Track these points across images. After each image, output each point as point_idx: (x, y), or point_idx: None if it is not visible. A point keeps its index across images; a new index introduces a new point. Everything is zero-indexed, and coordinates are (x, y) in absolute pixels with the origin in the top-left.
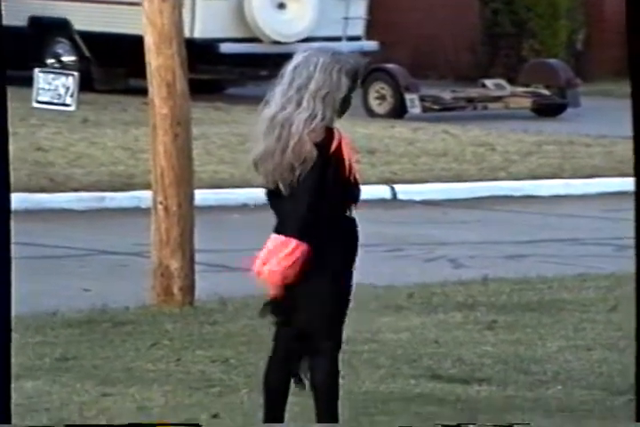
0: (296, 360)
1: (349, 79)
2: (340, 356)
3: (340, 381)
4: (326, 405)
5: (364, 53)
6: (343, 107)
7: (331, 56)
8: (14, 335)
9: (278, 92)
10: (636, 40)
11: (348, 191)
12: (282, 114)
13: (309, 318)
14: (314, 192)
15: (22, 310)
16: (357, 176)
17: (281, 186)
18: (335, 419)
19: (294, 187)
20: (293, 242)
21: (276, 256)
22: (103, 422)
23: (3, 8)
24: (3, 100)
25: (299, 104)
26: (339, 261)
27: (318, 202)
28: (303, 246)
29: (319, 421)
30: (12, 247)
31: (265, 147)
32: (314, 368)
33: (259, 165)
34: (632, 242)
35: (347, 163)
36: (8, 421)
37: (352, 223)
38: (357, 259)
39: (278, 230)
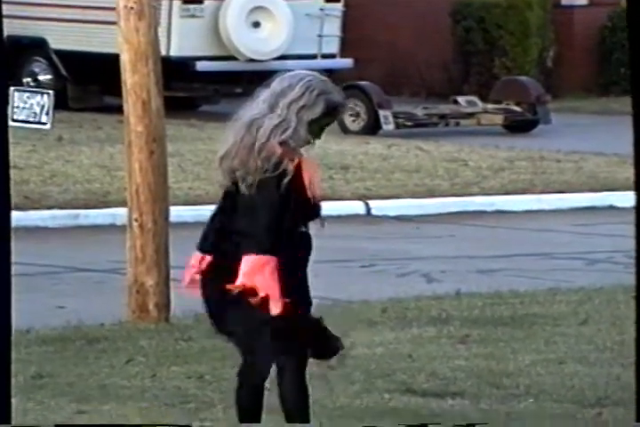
0: (264, 375)
1: (325, 107)
2: (315, 371)
3: (315, 396)
4: (297, 422)
5: (338, 71)
6: (313, 132)
7: (320, 81)
8: None
9: (259, 97)
10: (637, 50)
11: (307, 209)
12: (253, 115)
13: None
14: (277, 206)
15: None
16: (318, 194)
17: (241, 186)
18: None
19: (254, 200)
20: (270, 258)
21: (263, 276)
22: None
23: None
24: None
25: (272, 109)
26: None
27: (281, 217)
28: (274, 261)
29: None
30: None
31: (230, 145)
32: (280, 386)
33: (222, 162)
34: (602, 256)
35: (306, 182)
36: (8, 421)
37: (307, 237)
38: (331, 275)
39: (242, 248)
